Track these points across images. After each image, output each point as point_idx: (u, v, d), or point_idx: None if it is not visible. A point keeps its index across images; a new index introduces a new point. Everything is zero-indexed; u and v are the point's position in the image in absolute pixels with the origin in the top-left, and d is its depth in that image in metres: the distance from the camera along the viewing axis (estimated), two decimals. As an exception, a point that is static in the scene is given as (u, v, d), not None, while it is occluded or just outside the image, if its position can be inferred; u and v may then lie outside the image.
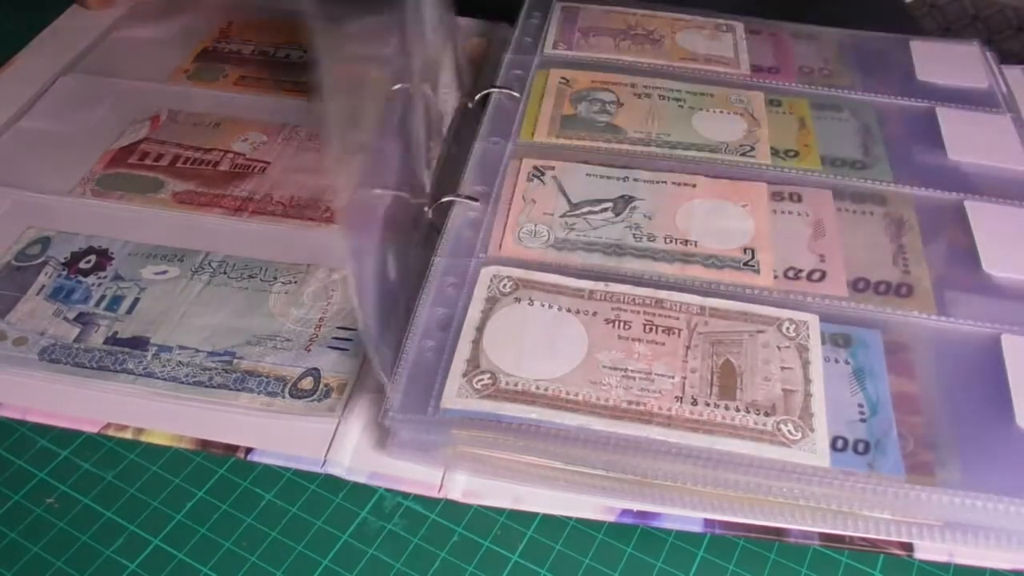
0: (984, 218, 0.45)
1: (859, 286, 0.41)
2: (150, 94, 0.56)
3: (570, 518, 0.36)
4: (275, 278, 0.44)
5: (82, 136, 0.53)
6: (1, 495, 0.36)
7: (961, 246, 0.44)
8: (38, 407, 0.39)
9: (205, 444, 0.38)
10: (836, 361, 0.38)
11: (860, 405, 0.37)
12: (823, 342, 0.39)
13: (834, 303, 0.41)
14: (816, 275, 0.42)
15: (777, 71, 0.55)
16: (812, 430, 0.36)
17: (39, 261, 0.45)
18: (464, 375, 0.37)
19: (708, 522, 0.36)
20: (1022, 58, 0.59)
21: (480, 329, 0.39)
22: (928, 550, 0.35)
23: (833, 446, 0.35)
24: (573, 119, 0.51)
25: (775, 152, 0.49)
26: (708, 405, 0.36)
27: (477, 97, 0.52)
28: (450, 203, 0.45)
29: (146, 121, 0.54)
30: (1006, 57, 0.58)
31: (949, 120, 0.51)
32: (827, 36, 0.58)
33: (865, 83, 0.54)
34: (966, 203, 0.46)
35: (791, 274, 0.42)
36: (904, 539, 0.35)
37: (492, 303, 0.40)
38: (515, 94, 0.51)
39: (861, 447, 0.35)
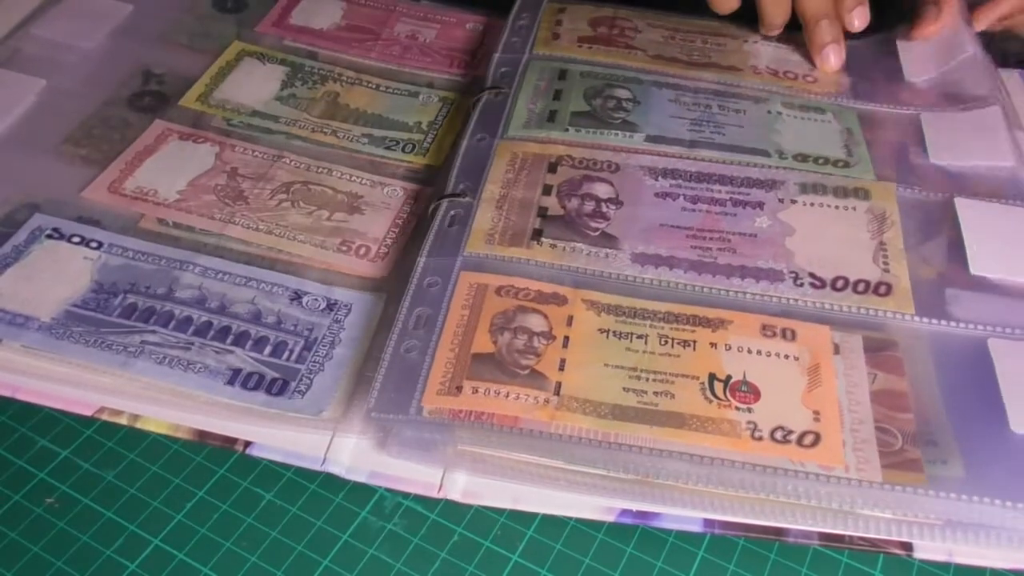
0: (972, 216, 0.45)
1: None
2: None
3: (570, 518, 0.36)
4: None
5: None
6: (1, 495, 0.36)
7: (944, 244, 0.44)
8: (29, 386, 0.38)
9: (203, 435, 0.37)
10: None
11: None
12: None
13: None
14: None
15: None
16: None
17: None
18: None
19: (708, 522, 0.35)
20: (1021, 58, 0.59)
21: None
22: (928, 550, 0.35)
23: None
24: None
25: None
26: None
27: (473, 101, 0.52)
28: (437, 204, 0.45)
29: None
30: (1006, 58, 0.58)
31: (932, 124, 0.50)
32: None
33: (852, 88, 0.53)
34: (956, 200, 0.45)
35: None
36: (904, 538, 0.35)
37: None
38: (503, 90, 0.51)
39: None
